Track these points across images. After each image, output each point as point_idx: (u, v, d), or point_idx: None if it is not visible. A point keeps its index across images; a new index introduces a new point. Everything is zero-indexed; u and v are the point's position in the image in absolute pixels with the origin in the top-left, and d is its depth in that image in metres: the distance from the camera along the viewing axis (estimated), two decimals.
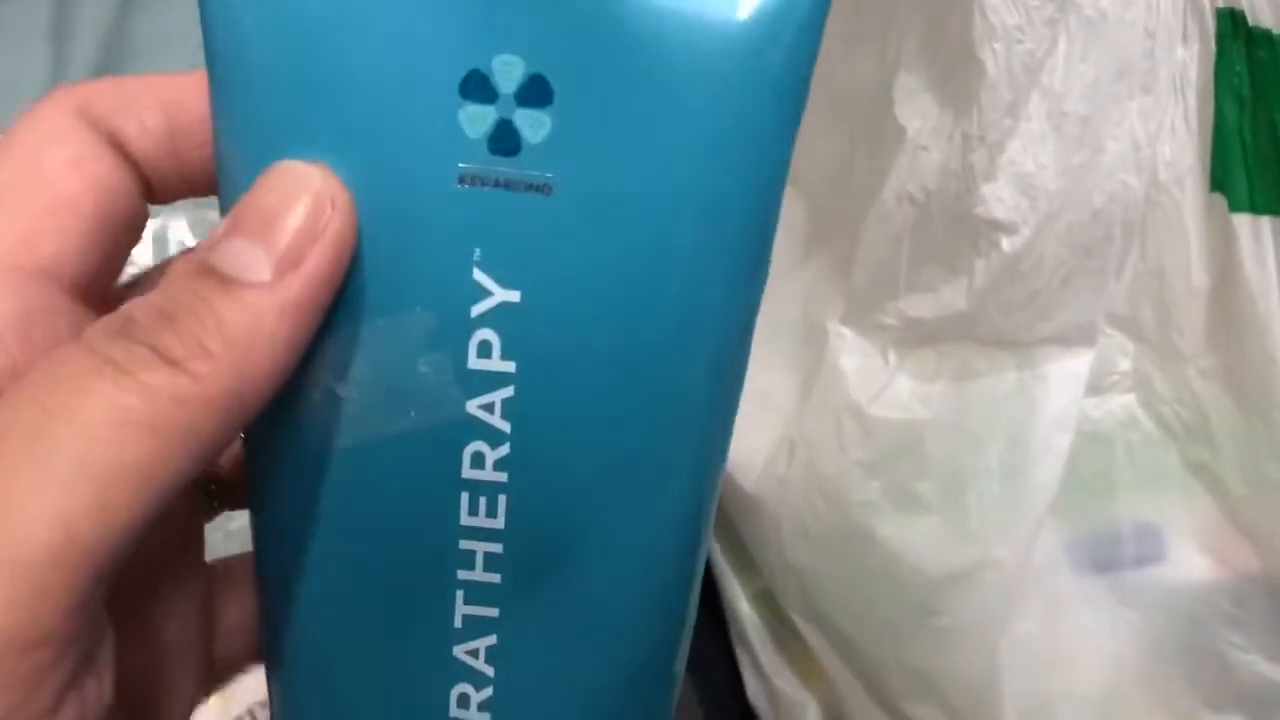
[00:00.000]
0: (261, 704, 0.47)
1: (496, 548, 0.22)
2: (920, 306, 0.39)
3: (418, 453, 0.21)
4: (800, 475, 0.43)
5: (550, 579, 0.22)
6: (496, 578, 0.22)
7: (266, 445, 0.21)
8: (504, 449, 0.21)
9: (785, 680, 0.48)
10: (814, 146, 0.43)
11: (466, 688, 0.23)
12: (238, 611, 0.26)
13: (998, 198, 0.35)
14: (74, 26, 0.60)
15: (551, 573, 0.22)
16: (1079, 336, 0.38)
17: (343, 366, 0.20)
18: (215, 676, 0.26)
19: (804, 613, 0.45)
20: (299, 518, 0.22)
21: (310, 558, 0.22)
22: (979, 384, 0.39)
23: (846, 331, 0.41)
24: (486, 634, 0.22)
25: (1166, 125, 0.35)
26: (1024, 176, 0.35)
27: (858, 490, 0.40)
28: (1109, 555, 0.41)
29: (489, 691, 0.23)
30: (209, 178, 0.22)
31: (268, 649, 0.24)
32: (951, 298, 0.38)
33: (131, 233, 0.23)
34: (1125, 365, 0.39)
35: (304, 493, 0.21)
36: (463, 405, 0.21)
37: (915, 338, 0.39)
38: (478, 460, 0.21)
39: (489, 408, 0.21)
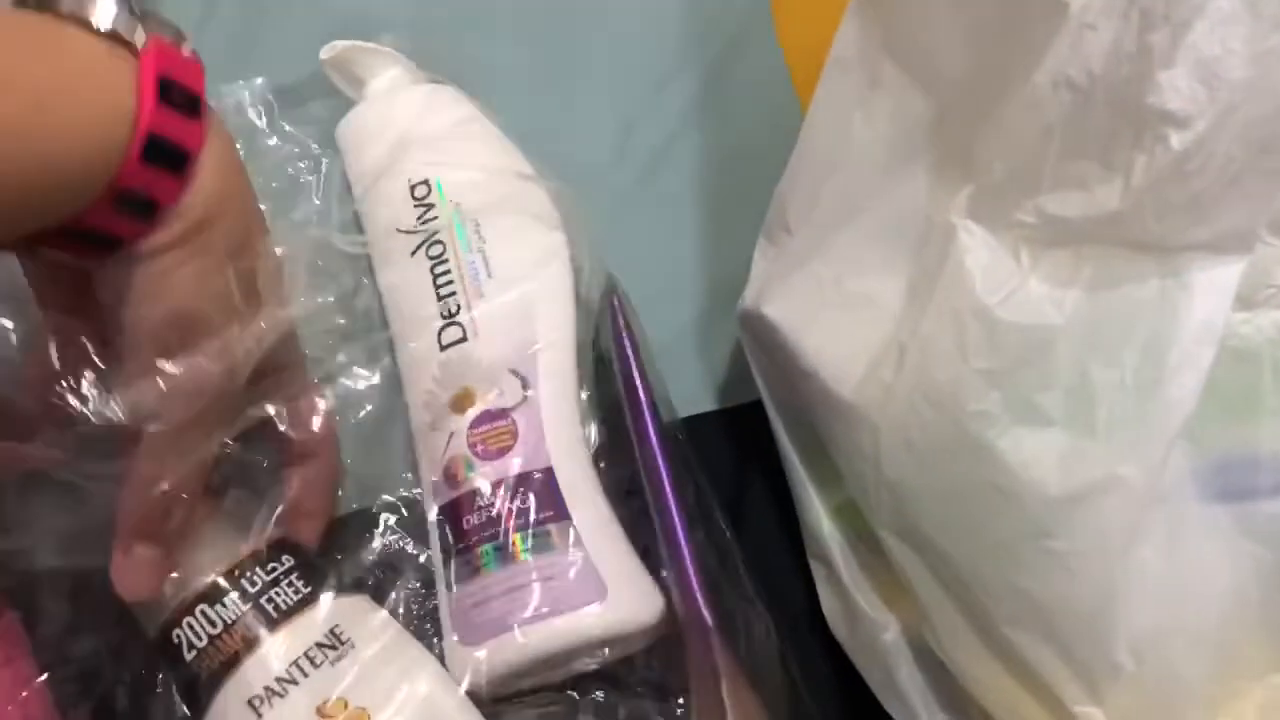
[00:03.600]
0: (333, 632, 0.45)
1: None
2: (1065, 205, 0.36)
3: None
4: (909, 381, 0.40)
5: None
6: None
7: None
8: None
9: (866, 598, 0.46)
10: (942, 27, 0.40)
11: None
12: None
13: (1174, 86, 0.32)
14: None
15: None
16: (1234, 244, 0.35)
17: None
18: None
19: (895, 529, 0.43)
20: None
21: None
22: (1118, 291, 0.36)
23: (975, 227, 0.38)
24: None
25: None
26: (1207, 62, 0.32)
27: (975, 400, 0.38)
28: (1242, 483, 0.38)
29: None
30: None
31: None
32: (1104, 196, 0.35)
33: None
34: None
35: None
36: None
37: (1053, 237, 0.36)
38: None
39: None
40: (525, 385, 0.49)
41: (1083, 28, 0.33)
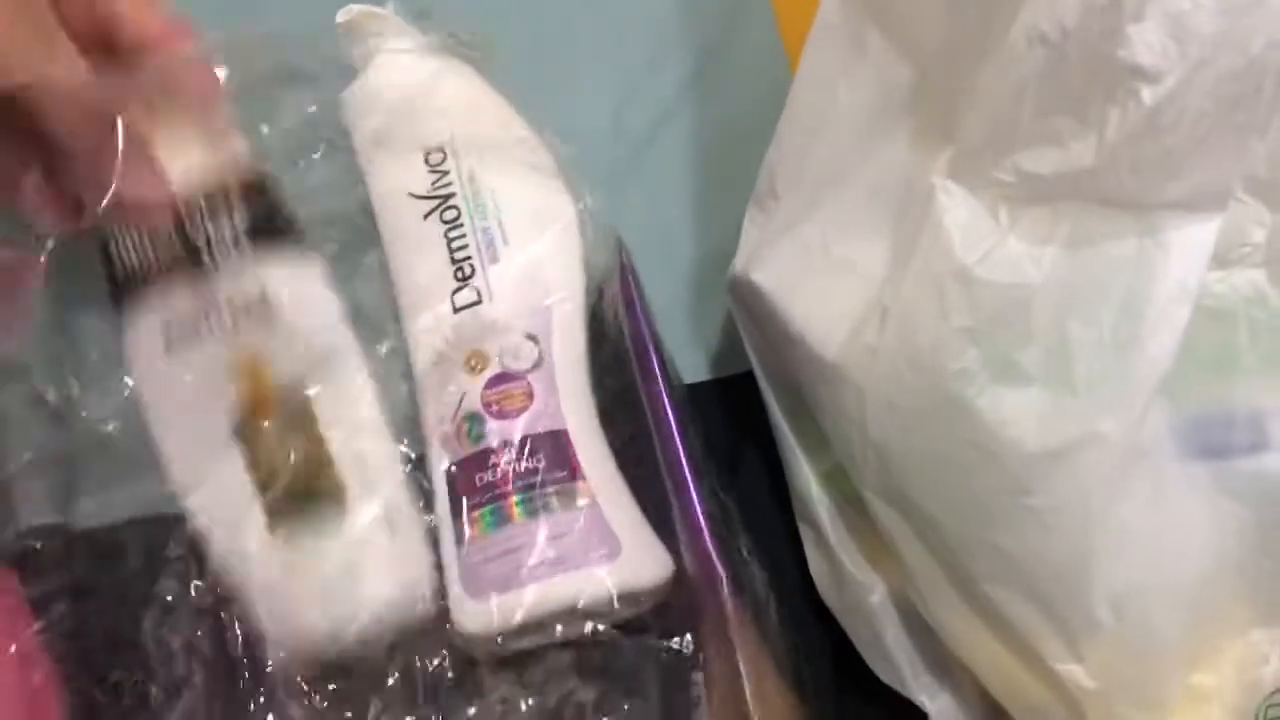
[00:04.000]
0: None
1: None
2: (1041, 161, 0.36)
3: None
4: (891, 344, 0.40)
5: None
6: None
7: None
8: None
9: (853, 561, 0.47)
10: None
11: None
12: None
13: (1144, 40, 0.33)
14: None
15: None
16: (1208, 201, 0.35)
17: None
18: None
19: (881, 491, 0.43)
20: None
21: None
22: (1095, 248, 0.36)
23: (954, 187, 0.38)
24: None
25: None
26: (1176, 16, 0.32)
27: (955, 359, 0.38)
28: (1218, 440, 0.38)
29: None
30: None
31: None
32: (1079, 152, 0.35)
33: None
34: (1259, 236, 0.36)
35: None
36: None
37: (1030, 195, 0.37)
38: None
39: None
40: (540, 347, 0.49)
41: None
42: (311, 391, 0.45)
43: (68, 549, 0.46)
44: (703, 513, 0.47)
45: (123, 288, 0.46)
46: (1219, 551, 0.39)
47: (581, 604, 0.45)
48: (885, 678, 0.46)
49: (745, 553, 0.48)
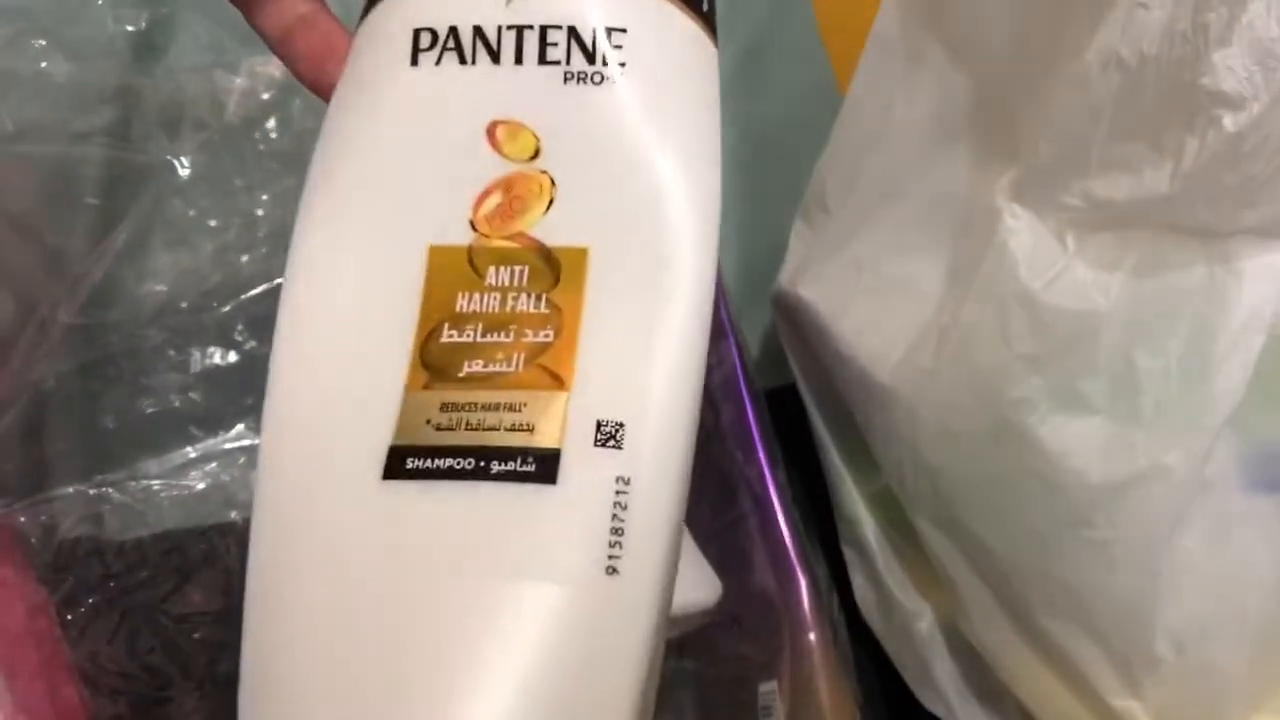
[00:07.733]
0: None
1: None
2: (1113, 187, 0.35)
3: None
4: (948, 367, 0.39)
5: None
6: None
7: None
8: None
9: (901, 586, 0.46)
10: (988, 3, 0.40)
11: None
12: None
13: (1228, 67, 0.31)
14: None
15: None
16: None
17: None
18: None
19: (933, 517, 0.42)
20: None
21: None
22: (1165, 276, 0.35)
23: (1021, 210, 0.37)
24: None
25: None
26: (1263, 43, 0.31)
27: (1016, 386, 0.37)
28: None
29: None
30: None
31: None
32: (1153, 180, 0.34)
33: None
34: None
35: None
36: None
37: (1100, 221, 0.36)
38: None
39: None
40: None
41: (1134, 6, 0.32)
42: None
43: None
44: (784, 513, 0.46)
45: None
46: None
47: None
48: (931, 706, 0.45)
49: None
